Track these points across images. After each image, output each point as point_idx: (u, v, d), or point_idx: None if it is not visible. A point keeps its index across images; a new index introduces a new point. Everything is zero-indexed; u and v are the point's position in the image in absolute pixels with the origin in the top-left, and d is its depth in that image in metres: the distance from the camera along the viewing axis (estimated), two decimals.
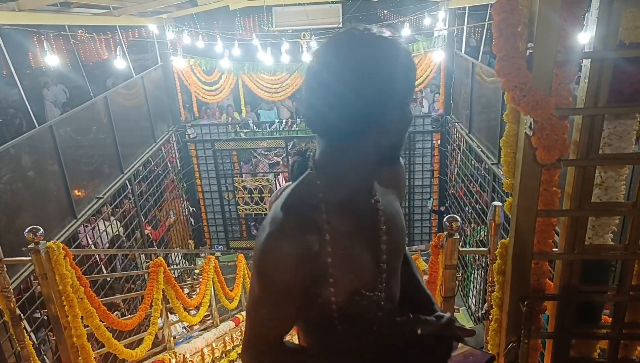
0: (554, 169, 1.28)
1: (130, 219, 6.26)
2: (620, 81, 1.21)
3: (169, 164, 8.02)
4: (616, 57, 1.17)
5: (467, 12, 7.40)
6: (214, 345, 4.52)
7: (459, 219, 2.03)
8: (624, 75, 1.20)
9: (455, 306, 2.23)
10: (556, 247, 1.45)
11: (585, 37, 1.24)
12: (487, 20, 7.14)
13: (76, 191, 4.67)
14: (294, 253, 0.89)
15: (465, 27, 7.64)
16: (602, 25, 1.15)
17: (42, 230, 2.32)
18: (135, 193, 6.45)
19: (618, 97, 1.22)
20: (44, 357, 3.94)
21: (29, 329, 3.82)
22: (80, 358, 2.55)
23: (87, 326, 2.71)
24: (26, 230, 2.30)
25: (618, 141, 1.28)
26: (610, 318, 1.46)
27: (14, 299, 2.44)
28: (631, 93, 1.23)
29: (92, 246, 5.46)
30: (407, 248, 1.21)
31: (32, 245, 2.32)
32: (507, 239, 1.47)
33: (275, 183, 8.65)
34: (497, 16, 1.15)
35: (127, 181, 6.19)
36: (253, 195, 8.82)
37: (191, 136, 8.56)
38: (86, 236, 5.30)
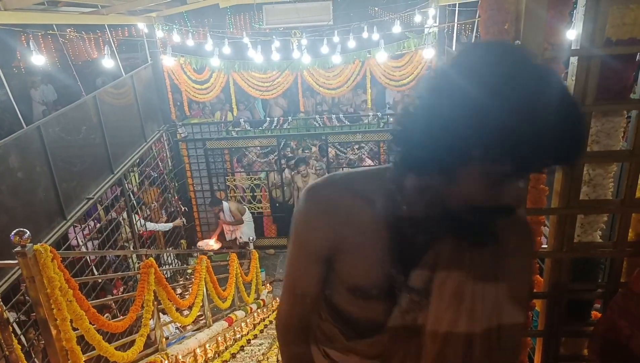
0: None
1: (121, 218, 6.21)
2: (608, 78, 1.21)
3: (160, 163, 7.96)
4: (603, 54, 1.17)
5: (457, 9, 7.41)
6: (207, 345, 4.50)
7: None
8: (611, 72, 1.20)
9: None
10: (545, 245, 1.44)
11: (572, 34, 1.23)
12: (477, 17, 7.14)
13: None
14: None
15: (455, 24, 7.65)
16: (589, 23, 1.15)
17: (28, 232, 2.29)
18: (126, 193, 6.40)
19: (606, 95, 1.22)
20: (35, 360, 3.90)
21: (18, 332, 3.78)
22: (69, 361, 2.52)
23: (77, 329, 2.68)
24: (12, 233, 2.27)
25: (606, 139, 1.28)
26: (600, 315, 1.46)
27: (1, 302, 2.41)
28: (619, 90, 1.23)
29: (83, 247, 5.40)
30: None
31: (18, 248, 2.29)
32: None
33: (268, 182, 8.62)
34: (484, 14, 1.14)
35: (117, 181, 6.14)
36: (245, 194, 8.78)
37: (182, 135, 8.51)
38: (76, 237, 5.25)
